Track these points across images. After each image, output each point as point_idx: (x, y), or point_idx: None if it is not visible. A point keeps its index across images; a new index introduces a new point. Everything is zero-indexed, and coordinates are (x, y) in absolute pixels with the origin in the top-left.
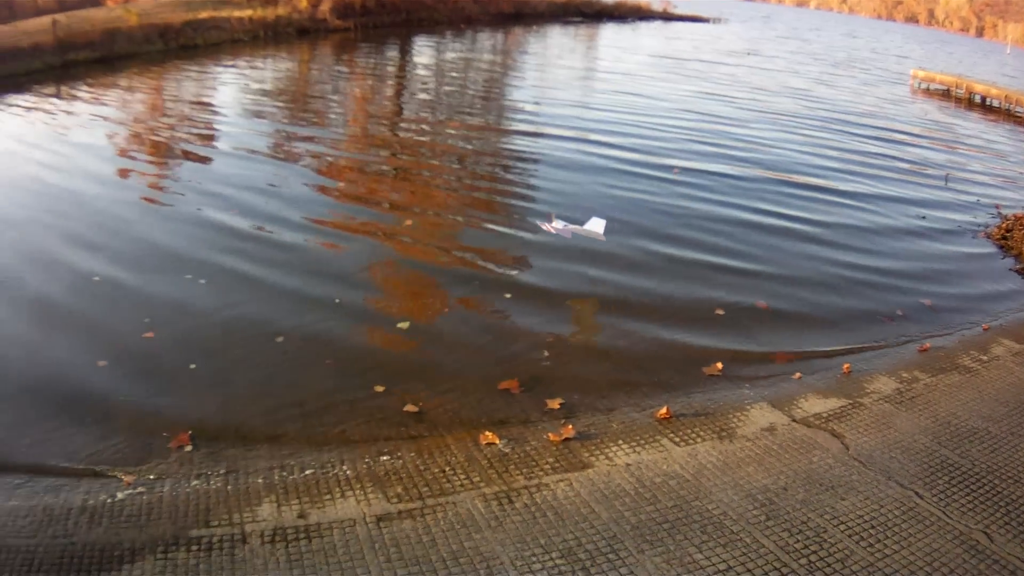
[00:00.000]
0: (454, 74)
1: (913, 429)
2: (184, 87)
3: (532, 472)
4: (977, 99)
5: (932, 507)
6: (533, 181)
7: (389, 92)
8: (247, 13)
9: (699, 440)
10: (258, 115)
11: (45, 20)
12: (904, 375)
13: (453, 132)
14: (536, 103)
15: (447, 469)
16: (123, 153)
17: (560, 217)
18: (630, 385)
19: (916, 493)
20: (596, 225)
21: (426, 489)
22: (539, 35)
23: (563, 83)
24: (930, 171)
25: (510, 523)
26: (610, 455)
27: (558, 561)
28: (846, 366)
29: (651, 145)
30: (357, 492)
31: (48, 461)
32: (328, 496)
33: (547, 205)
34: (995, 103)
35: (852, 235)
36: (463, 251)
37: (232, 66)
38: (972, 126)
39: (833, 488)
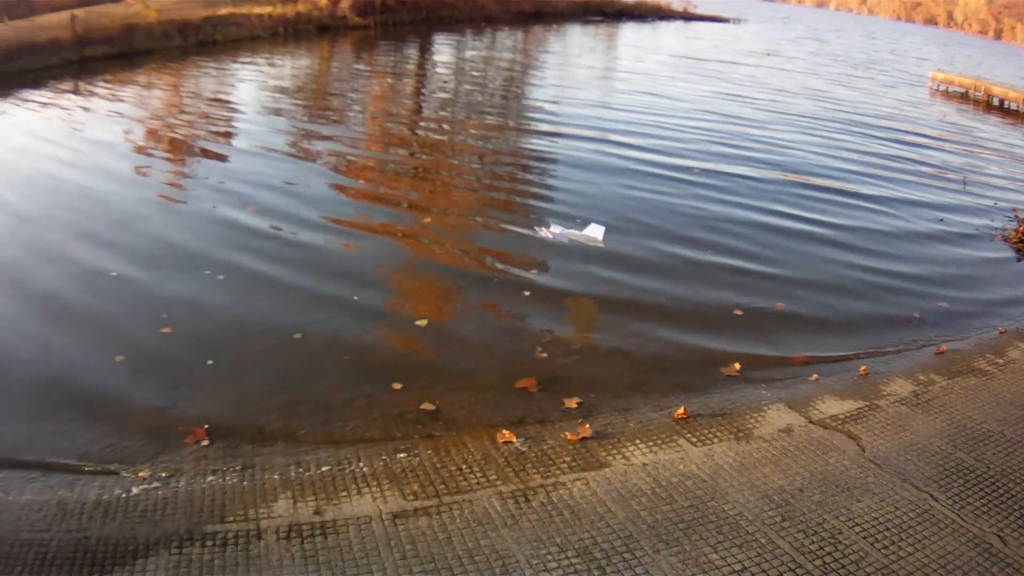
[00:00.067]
0: (474, 73)
1: (929, 432)
2: (202, 84)
3: (549, 471)
4: (995, 102)
5: (947, 510)
6: (552, 181)
7: (408, 90)
8: (267, 10)
9: (716, 440)
10: (276, 112)
11: (63, 15)
12: (920, 377)
13: (472, 131)
14: (556, 102)
15: (464, 467)
16: (140, 150)
17: (558, 223)
18: (648, 385)
19: (931, 496)
20: (595, 231)
21: (443, 487)
22: (559, 34)
23: (583, 82)
24: (948, 174)
25: (526, 521)
26: (627, 454)
27: (574, 560)
28: (863, 368)
29: (670, 146)
30: (373, 489)
31: (63, 455)
32: (344, 493)
33: (566, 206)
34: (1013, 106)
35: (870, 238)
36: (481, 251)
37: (251, 63)
38: (990, 129)
39: (849, 490)
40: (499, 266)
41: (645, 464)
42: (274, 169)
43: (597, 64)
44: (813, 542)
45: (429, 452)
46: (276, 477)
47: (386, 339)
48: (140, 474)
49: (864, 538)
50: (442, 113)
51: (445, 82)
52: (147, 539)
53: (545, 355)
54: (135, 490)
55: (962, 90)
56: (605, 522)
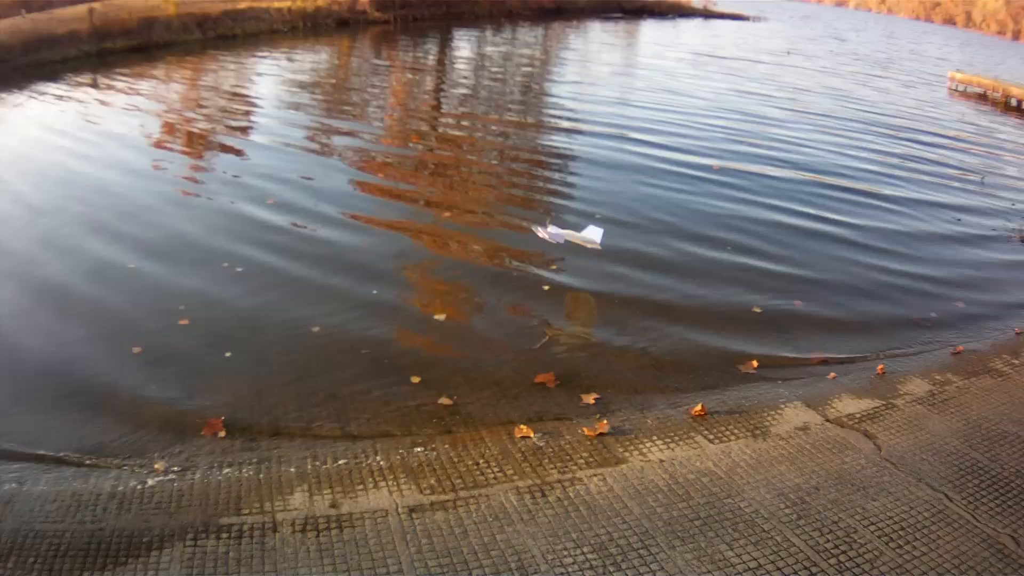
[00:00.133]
0: (493, 69)
1: (944, 431)
2: (221, 77)
3: (566, 466)
4: (1013, 103)
5: (961, 510)
6: (571, 179)
7: (428, 86)
8: (286, 4)
9: (733, 438)
10: (295, 107)
11: (81, 8)
12: (937, 377)
13: (492, 127)
14: (575, 99)
15: (481, 462)
16: (157, 143)
17: (555, 223)
18: (665, 382)
19: (946, 496)
20: (593, 233)
21: (459, 481)
22: (579, 30)
23: (603, 79)
24: (966, 175)
25: (542, 516)
26: (644, 451)
27: (589, 556)
28: (880, 367)
29: (689, 144)
30: (390, 483)
31: (79, 446)
32: (361, 486)
33: (584, 203)
34: None
35: (887, 239)
36: (500, 247)
37: (270, 57)
38: (1009, 130)
39: (864, 489)
40: (517, 263)
41: (662, 460)
42: (292, 164)
43: (617, 61)
44: (828, 540)
45: (446, 446)
46: (292, 470)
47: (404, 333)
48: (156, 466)
49: (879, 537)
50: (461, 109)
51: (465, 78)
52: (162, 531)
53: (563, 351)
54: (150, 482)
55: (980, 91)
56: (621, 518)
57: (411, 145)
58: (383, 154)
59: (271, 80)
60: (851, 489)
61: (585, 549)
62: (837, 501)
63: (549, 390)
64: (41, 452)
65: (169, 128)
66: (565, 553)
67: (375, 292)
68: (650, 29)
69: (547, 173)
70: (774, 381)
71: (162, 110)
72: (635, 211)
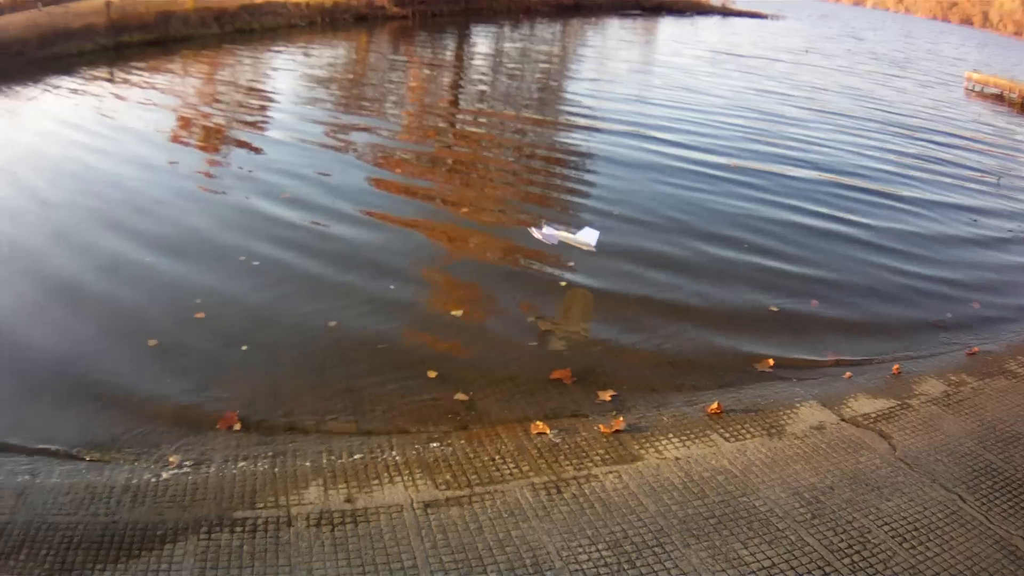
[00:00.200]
0: (512, 65)
1: (959, 432)
2: (238, 72)
3: (582, 463)
4: None
5: (974, 511)
6: (588, 177)
7: (446, 82)
8: None
9: (748, 436)
10: (312, 103)
11: (98, 2)
12: (952, 378)
13: (509, 124)
14: (593, 96)
15: (496, 457)
16: (173, 138)
17: (551, 224)
18: (682, 379)
19: (959, 496)
20: (589, 236)
21: (475, 477)
22: (597, 27)
23: (621, 77)
24: (983, 176)
25: (558, 513)
26: (660, 448)
27: (604, 553)
28: (895, 367)
29: (707, 142)
30: (405, 478)
31: (93, 439)
32: (376, 481)
33: (602, 202)
34: None
35: (904, 240)
36: (516, 246)
37: (287, 52)
38: None
39: (879, 489)
40: (533, 261)
41: (677, 458)
42: (309, 159)
43: (635, 58)
44: (842, 540)
45: (462, 442)
46: (308, 464)
47: (421, 329)
48: (170, 459)
49: (892, 537)
50: (479, 106)
51: (482, 74)
52: (176, 524)
53: (579, 347)
54: (165, 475)
55: (997, 91)
56: (636, 515)
57: (428, 142)
58: (400, 150)
59: (288, 75)
60: (866, 489)
61: (600, 546)
62: (852, 501)
63: (565, 386)
64: (55, 445)
65: (185, 123)
66: (580, 550)
67: (392, 287)
68: (668, 26)
69: (564, 171)
70: (790, 380)
71: (178, 104)
72: (652, 210)
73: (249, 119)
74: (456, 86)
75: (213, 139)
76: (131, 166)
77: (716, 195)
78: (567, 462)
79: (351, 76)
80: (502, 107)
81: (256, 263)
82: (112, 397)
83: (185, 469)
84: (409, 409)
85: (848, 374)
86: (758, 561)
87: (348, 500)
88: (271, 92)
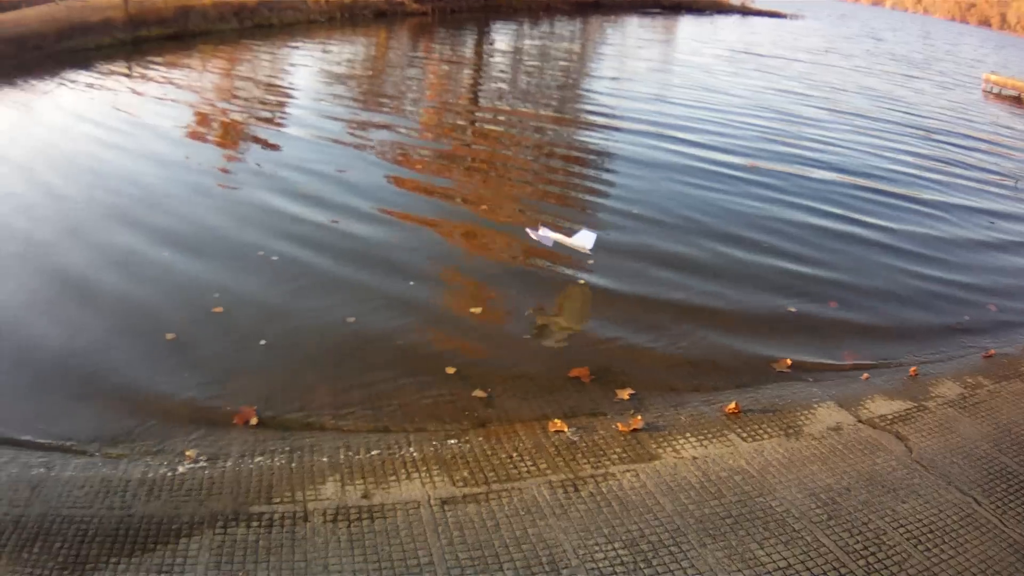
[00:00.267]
0: (531, 63)
1: (975, 435)
2: (256, 68)
3: (599, 461)
4: None
5: (989, 514)
6: (606, 176)
7: (465, 79)
8: None
9: (766, 436)
10: (330, 99)
11: None
12: (968, 380)
13: (528, 122)
14: (612, 95)
15: (514, 455)
16: (190, 134)
17: (548, 225)
18: (700, 379)
19: (974, 499)
20: (585, 239)
21: (492, 474)
22: (617, 25)
23: (640, 75)
24: (1000, 179)
25: (575, 511)
26: (677, 447)
27: (620, 551)
28: (912, 369)
29: (725, 142)
30: (423, 474)
31: (109, 432)
32: (393, 477)
33: (620, 201)
34: None
35: (922, 243)
36: (534, 244)
37: (306, 48)
38: None
39: (895, 491)
40: (551, 261)
41: (695, 457)
42: (327, 156)
43: (654, 57)
44: (858, 542)
45: (480, 439)
46: (325, 459)
47: (439, 326)
48: (187, 453)
49: (907, 540)
50: (498, 103)
51: (502, 71)
52: (191, 518)
53: (598, 346)
54: (181, 469)
55: (1015, 93)
56: (653, 514)
57: (447, 139)
58: (418, 148)
59: (307, 71)
60: (882, 491)
61: (616, 545)
62: (867, 502)
63: (584, 385)
64: (71, 439)
65: (203, 118)
66: (596, 548)
67: (411, 283)
68: (688, 25)
69: (583, 170)
70: (807, 380)
71: (196, 100)
72: (670, 210)
73: (267, 115)
74: (475, 83)
75: (231, 135)
76: (148, 162)
77: (734, 195)
78: (585, 460)
79: (370, 72)
80: (521, 105)
81: (274, 258)
82: (128, 391)
83: (201, 463)
84: (427, 405)
85: (865, 375)
86: (774, 562)
87: (365, 496)
88: (289, 88)
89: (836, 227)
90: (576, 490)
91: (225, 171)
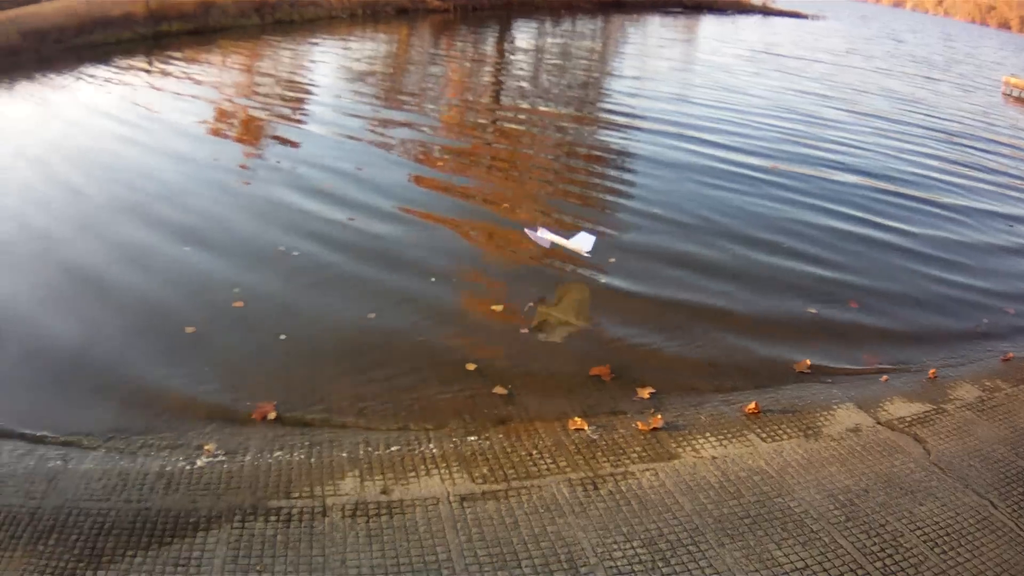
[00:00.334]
0: (553, 61)
1: (992, 438)
2: (276, 64)
3: (619, 460)
4: None
5: (1005, 518)
6: (627, 176)
7: (486, 78)
8: None
9: (785, 437)
10: (351, 96)
11: None
12: (987, 383)
13: (549, 122)
14: (633, 95)
15: (534, 452)
16: (209, 130)
17: (547, 226)
18: (720, 379)
19: (991, 503)
20: (584, 241)
21: (512, 471)
22: (638, 24)
23: (661, 75)
24: (1021, 184)
25: (594, 509)
26: (697, 447)
27: (639, 550)
28: (932, 371)
29: (746, 143)
30: (442, 471)
31: (128, 426)
32: (412, 473)
33: (641, 202)
34: None
35: (942, 247)
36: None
37: (327, 44)
38: None
39: (912, 493)
40: (572, 261)
41: (714, 457)
42: (347, 154)
43: (676, 56)
44: (875, 543)
45: (500, 436)
46: (344, 455)
47: (460, 323)
48: (206, 447)
49: (924, 542)
50: (519, 102)
51: (523, 70)
52: (209, 512)
53: (618, 344)
54: (199, 463)
55: None
56: (672, 513)
57: (468, 138)
58: (439, 147)
59: (327, 67)
60: (899, 493)
61: (635, 543)
62: (885, 504)
63: (604, 383)
64: (89, 432)
65: (222, 114)
66: (615, 547)
67: (432, 279)
68: (709, 24)
69: (604, 169)
70: (827, 382)
71: (215, 96)
72: (690, 211)
73: (287, 112)
74: (496, 82)
75: (251, 131)
76: (168, 157)
77: (754, 197)
78: (604, 459)
79: (391, 70)
80: (542, 104)
81: (295, 253)
82: (147, 385)
83: (220, 458)
84: (447, 402)
85: (885, 377)
86: (791, 562)
87: (384, 492)
88: (310, 85)
89: (856, 230)
90: (595, 488)
91: (245, 167)
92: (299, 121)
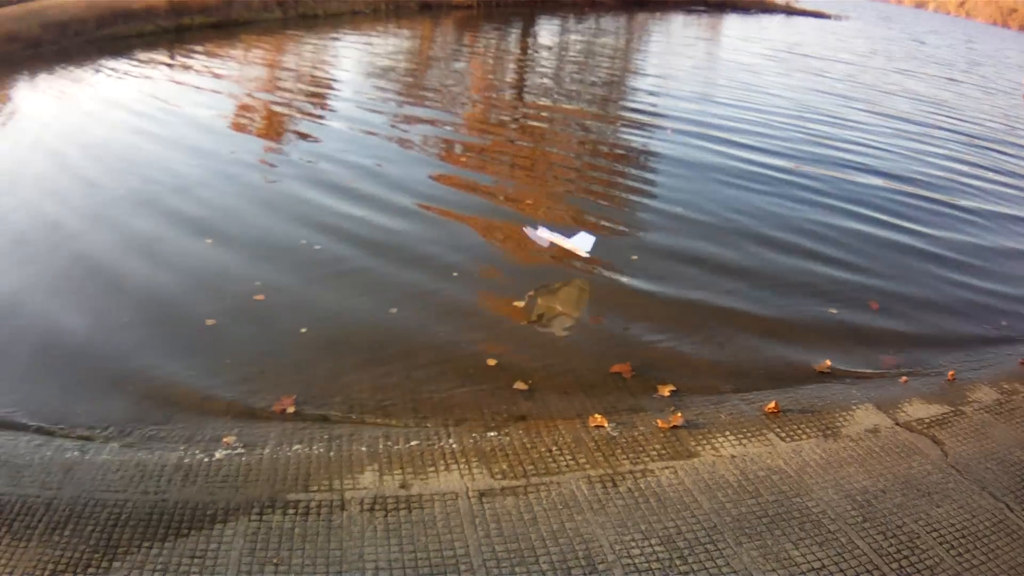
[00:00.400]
0: (577, 59)
1: (1009, 441)
2: (299, 59)
3: (638, 457)
4: None
5: (1021, 521)
6: (650, 176)
7: (509, 74)
8: None
9: (804, 437)
10: (373, 92)
11: None
12: (1005, 386)
13: (572, 119)
14: (656, 93)
15: (554, 449)
16: (230, 124)
17: (546, 225)
18: (740, 377)
19: (1007, 506)
20: (583, 241)
21: (531, 467)
22: (662, 22)
23: (684, 74)
24: None
25: (612, 507)
26: (716, 445)
27: (657, 548)
28: (951, 373)
29: (769, 144)
30: (462, 466)
31: (146, 417)
32: (432, 468)
33: (663, 202)
34: None
35: (962, 250)
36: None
37: (350, 39)
38: None
39: (929, 495)
40: (591, 261)
41: (734, 456)
42: (368, 150)
43: (699, 55)
44: (892, 545)
45: (520, 432)
46: (364, 449)
47: (481, 318)
48: (225, 439)
49: (940, 544)
50: (542, 100)
51: (546, 67)
52: (227, 504)
53: (640, 341)
54: (218, 455)
55: None
56: (690, 512)
57: (490, 135)
58: (461, 143)
59: (349, 63)
60: (917, 494)
61: (653, 541)
62: (902, 505)
63: (625, 380)
64: (107, 423)
65: (243, 109)
66: (633, 544)
67: (455, 274)
68: (732, 23)
69: (626, 168)
70: (846, 382)
71: (236, 90)
72: (712, 211)
73: (309, 107)
74: (519, 79)
75: (272, 126)
76: (187, 152)
77: (776, 198)
78: (624, 456)
79: (414, 66)
80: (565, 102)
81: (317, 247)
82: (167, 376)
83: (239, 450)
84: (467, 397)
85: (904, 378)
86: (808, 562)
87: (403, 486)
88: (331, 80)
89: (877, 232)
90: (614, 485)
91: (266, 162)
92: (321, 116)
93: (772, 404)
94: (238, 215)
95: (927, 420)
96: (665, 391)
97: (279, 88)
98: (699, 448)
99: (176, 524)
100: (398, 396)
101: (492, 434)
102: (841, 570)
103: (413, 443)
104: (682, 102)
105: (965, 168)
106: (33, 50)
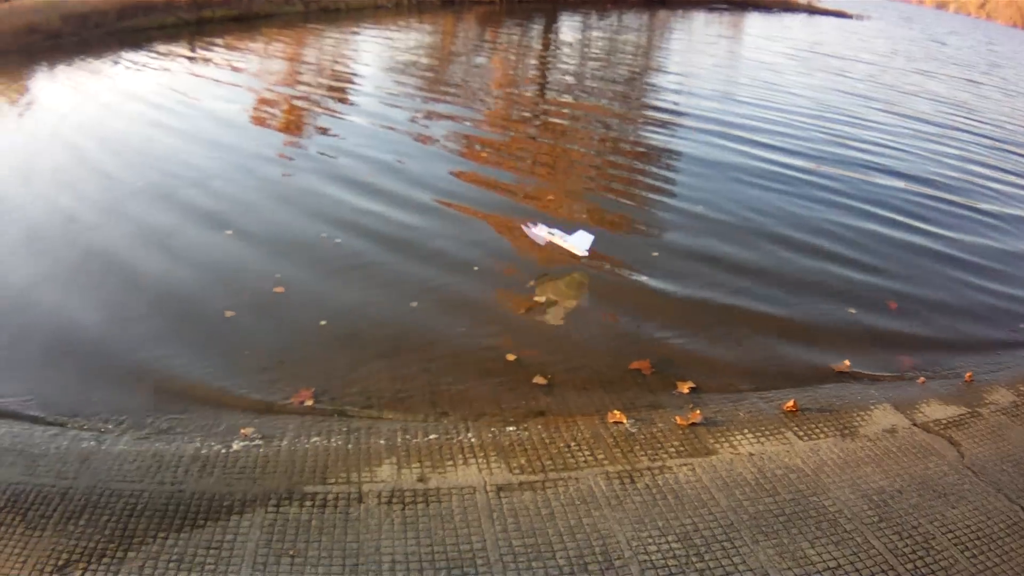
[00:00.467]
0: (599, 56)
1: None
2: (319, 53)
3: (656, 454)
4: None
5: None
6: (670, 174)
7: (531, 71)
8: None
9: (822, 436)
10: (394, 87)
11: None
12: (1022, 389)
13: (593, 117)
14: (678, 91)
15: (572, 444)
16: (250, 118)
17: (546, 224)
18: (759, 376)
19: (1022, 508)
20: (581, 241)
21: (549, 463)
22: (684, 20)
23: (706, 72)
24: None
25: (630, 503)
26: (734, 443)
27: (673, 544)
28: (968, 375)
29: (789, 144)
30: (480, 460)
31: (163, 407)
32: (450, 462)
33: (684, 200)
34: None
35: (981, 253)
36: (597, 242)
37: (371, 33)
38: None
39: (945, 496)
40: (610, 260)
41: (751, 454)
42: (388, 145)
43: (720, 53)
44: (907, 545)
45: (538, 427)
46: (382, 442)
47: (501, 314)
48: (243, 431)
49: (955, 545)
50: (564, 97)
51: (568, 64)
52: (244, 496)
53: (660, 338)
54: (235, 446)
55: None
56: (708, 509)
57: (511, 132)
58: (482, 140)
59: (371, 57)
60: (932, 495)
61: (670, 538)
62: (918, 506)
63: (644, 377)
64: (125, 412)
65: (262, 102)
66: (650, 541)
67: (476, 268)
68: (754, 22)
69: (646, 167)
70: (865, 382)
71: (256, 84)
72: (732, 211)
73: (329, 101)
74: (541, 75)
75: (292, 120)
76: (206, 145)
77: (796, 198)
78: (642, 452)
79: (436, 61)
80: (586, 99)
81: (337, 241)
82: (185, 367)
83: (256, 442)
84: (486, 391)
85: (922, 379)
86: (824, 561)
87: (421, 480)
88: (352, 74)
89: (896, 234)
90: (632, 482)
91: (286, 157)
92: (341, 111)
93: (790, 403)
94: (257, 209)
95: (944, 421)
96: (684, 388)
97: (299, 82)
98: (717, 445)
99: (192, 515)
100: (417, 389)
101: (510, 428)
102: (856, 569)
103: (431, 437)
104: (704, 100)
105: (985, 171)
106: (53, 41)
